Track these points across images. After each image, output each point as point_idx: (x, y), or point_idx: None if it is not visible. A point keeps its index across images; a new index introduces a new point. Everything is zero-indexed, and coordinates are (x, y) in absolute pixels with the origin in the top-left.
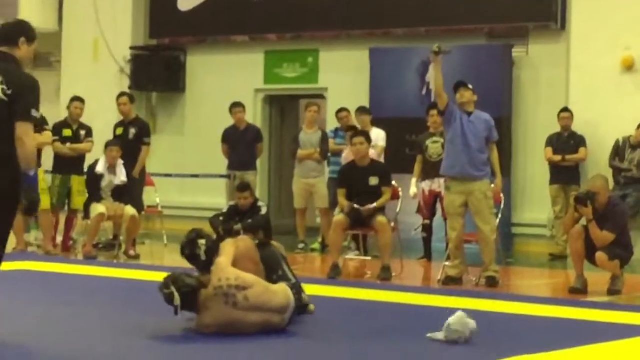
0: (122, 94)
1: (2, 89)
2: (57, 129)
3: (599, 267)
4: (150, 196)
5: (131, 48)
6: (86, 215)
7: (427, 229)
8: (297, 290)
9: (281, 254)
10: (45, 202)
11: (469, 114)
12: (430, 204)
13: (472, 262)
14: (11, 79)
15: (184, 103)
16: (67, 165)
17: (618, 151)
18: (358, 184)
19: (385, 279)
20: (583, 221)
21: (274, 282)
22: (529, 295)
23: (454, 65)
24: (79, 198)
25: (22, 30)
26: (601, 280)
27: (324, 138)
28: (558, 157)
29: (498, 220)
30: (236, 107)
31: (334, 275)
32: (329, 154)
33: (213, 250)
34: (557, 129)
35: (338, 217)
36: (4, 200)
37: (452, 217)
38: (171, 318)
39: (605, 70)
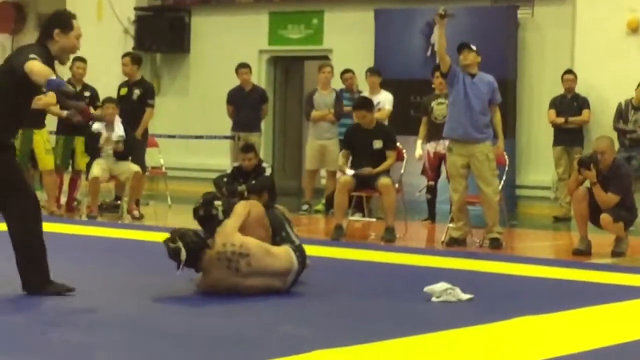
0: (125, 55)
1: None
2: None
3: (603, 229)
4: (154, 157)
5: (135, 9)
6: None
7: (432, 191)
8: (300, 252)
9: (284, 216)
10: (49, 162)
11: (472, 75)
12: (435, 166)
13: (475, 223)
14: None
15: (188, 64)
16: (70, 126)
17: (621, 113)
18: (362, 147)
19: (389, 240)
20: (587, 183)
21: (277, 243)
22: (533, 256)
23: (459, 27)
24: (82, 159)
25: (55, 22)
26: (605, 242)
27: (338, 99)
28: (561, 120)
29: (502, 182)
30: (242, 67)
31: (338, 237)
32: None
33: (229, 212)
34: (561, 91)
35: (343, 178)
36: None
37: (455, 178)
38: (174, 278)
39: (611, 32)
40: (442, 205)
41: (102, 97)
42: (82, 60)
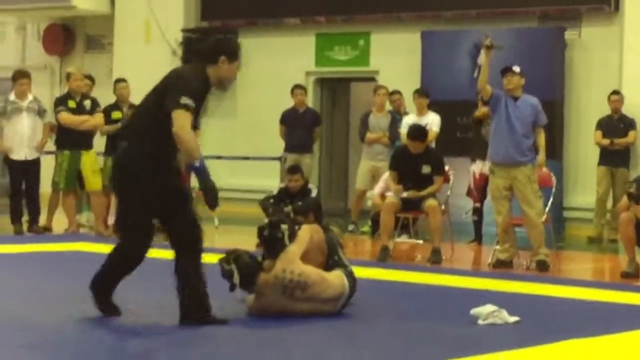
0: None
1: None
2: (107, 112)
3: None
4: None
5: (183, 30)
6: None
7: (478, 212)
8: (352, 277)
9: (337, 240)
10: (97, 183)
11: (516, 98)
12: (481, 187)
13: (523, 245)
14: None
15: (235, 85)
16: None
17: None
18: (410, 171)
19: (435, 262)
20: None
21: (330, 266)
22: (580, 279)
23: (506, 48)
24: None
25: (223, 48)
26: None
27: (394, 122)
28: (607, 141)
29: (549, 204)
30: (298, 89)
31: (384, 258)
32: None
33: (292, 236)
34: (608, 112)
35: (390, 199)
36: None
37: (497, 200)
38: (227, 298)
39: None
40: (489, 227)
41: None
42: (124, 81)
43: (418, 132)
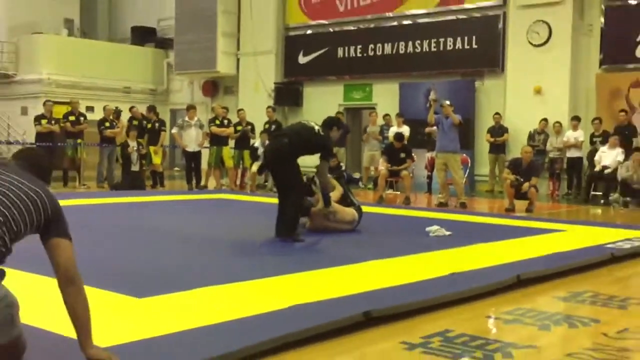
0: (269, 107)
1: (318, 129)
2: (235, 126)
3: (527, 198)
4: None
5: (274, 83)
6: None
7: (429, 178)
8: (359, 210)
9: (348, 188)
10: (230, 163)
11: (447, 117)
12: (431, 164)
13: (452, 194)
14: (324, 132)
15: (301, 112)
16: (241, 144)
17: (531, 136)
18: (394, 156)
19: (407, 204)
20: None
21: (347, 205)
22: (483, 212)
23: (443, 90)
24: (248, 161)
25: (335, 122)
26: (522, 206)
27: (382, 131)
28: (492, 139)
29: (467, 173)
30: (339, 113)
31: (380, 201)
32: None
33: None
34: (493, 124)
35: (383, 171)
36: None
37: (439, 171)
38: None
39: (525, 92)
40: (435, 185)
41: (257, 129)
42: (242, 110)
43: (399, 136)
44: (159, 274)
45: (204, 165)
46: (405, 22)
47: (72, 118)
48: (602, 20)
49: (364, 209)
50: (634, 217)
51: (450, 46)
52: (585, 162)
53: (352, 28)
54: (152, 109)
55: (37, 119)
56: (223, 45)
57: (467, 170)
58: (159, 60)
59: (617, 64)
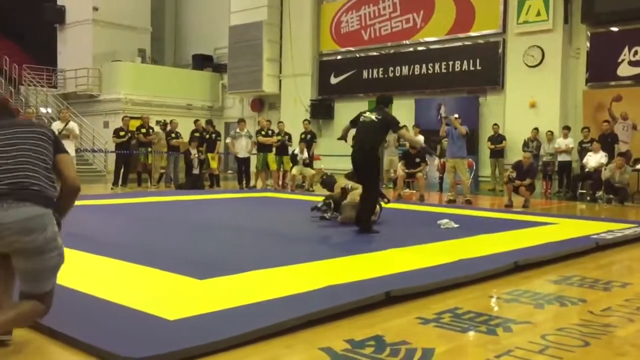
0: (305, 120)
1: (375, 116)
2: (276, 135)
3: (522, 195)
4: (318, 164)
5: (310, 100)
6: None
7: (441, 179)
8: (380, 206)
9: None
10: (274, 166)
11: (456, 128)
12: (442, 167)
13: (460, 192)
14: (380, 114)
15: (333, 124)
16: (280, 151)
17: (526, 143)
18: (411, 160)
19: (421, 200)
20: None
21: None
22: (486, 207)
23: (452, 104)
24: (288, 165)
25: (388, 99)
26: (519, 202)
27: (399, 138)
28: (492, 146)
29: (472, 174)
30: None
31: (398, 199)
32: (398, 143)
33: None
34: (492, 133)
35: (401, 173)
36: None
37: (449, 173)
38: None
39: (522, 106)
40: (445, 185)
41: (295, 138)
42: (282, 122)
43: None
44: (216, 260)
45: (253, 168)
46: (420, 48)
47: (143, 130)
48: (588, 44)
49: (385, 205)
50: (616, 212)
51: (457, 68)
52: (575, 165)
53: (375, 53)
54: (209, 122)
55: (116, 132)
56: (268, 69)
57: (473, 172)
58: (215, 82)
59: (601, 82)
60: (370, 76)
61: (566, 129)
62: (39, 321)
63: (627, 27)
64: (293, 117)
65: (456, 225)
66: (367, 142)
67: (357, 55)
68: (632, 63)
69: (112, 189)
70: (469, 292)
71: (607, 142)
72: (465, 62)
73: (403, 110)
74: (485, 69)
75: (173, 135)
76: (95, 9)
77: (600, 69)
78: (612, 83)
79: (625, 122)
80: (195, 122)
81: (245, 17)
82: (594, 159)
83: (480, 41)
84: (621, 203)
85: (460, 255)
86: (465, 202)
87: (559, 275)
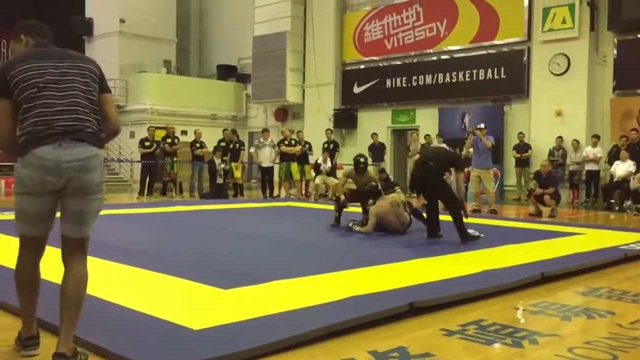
0: (327, 129)
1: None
2: (297, 144)
3: (547, 205)
4: (339, 173)
5: (334, 109)
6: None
7: (465, 188)
8: (410, 220)
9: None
10: (297, 176)
11: (480, 139)
12: (467, 178)
13: (485, 202)
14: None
15: (356, 133)
16: (301, 160)
17: (551, 152)
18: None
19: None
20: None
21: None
22: (511, 217)
23: (477, 113)
24: (310, 175)
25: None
26: (546, 212)
27: (423, 146)
28: (518, 155)
29: (497, 184)
30: (375, 135)
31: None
32: None
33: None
34: (517, 142)
35: None
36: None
37: (473, 183)
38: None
39: (547, 115)
40: (470, 194)
41: (316, 148)
42: (301, 131)
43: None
44: (241, 269)
45: (276, 177)
46: (444, 56)
47: (169, 140)
48: (615, 52)
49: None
50: None
51: (482, 76)
52: (603, 174)
53: (398, 63)
54: (234, 132)
55: (141, 142)
56: (291, 79)
57: (498, 182)
58: (239, 92)
59: (628, 89)
60: (393, 85)
61: (595, 137)
62: None
63: None
64: (316, 126)
65: (481, 235)
66: (440, 164)
67: (381, 65)
68: None
69: (137, 198)
70: (494, 303)
71: (636, 150)
72: (489, 70)
73: (427, 119)
74: (510, 77)
75: (197, 145)
76: (122, 21)
77: (628, 77)
78: None
79: None
80: (224, 131)
81: (269, 28)
82: (622, 167)
83: (505, 49)
84: None
85: (485, 266)
86: (490, 211)
87: (587, 287)
